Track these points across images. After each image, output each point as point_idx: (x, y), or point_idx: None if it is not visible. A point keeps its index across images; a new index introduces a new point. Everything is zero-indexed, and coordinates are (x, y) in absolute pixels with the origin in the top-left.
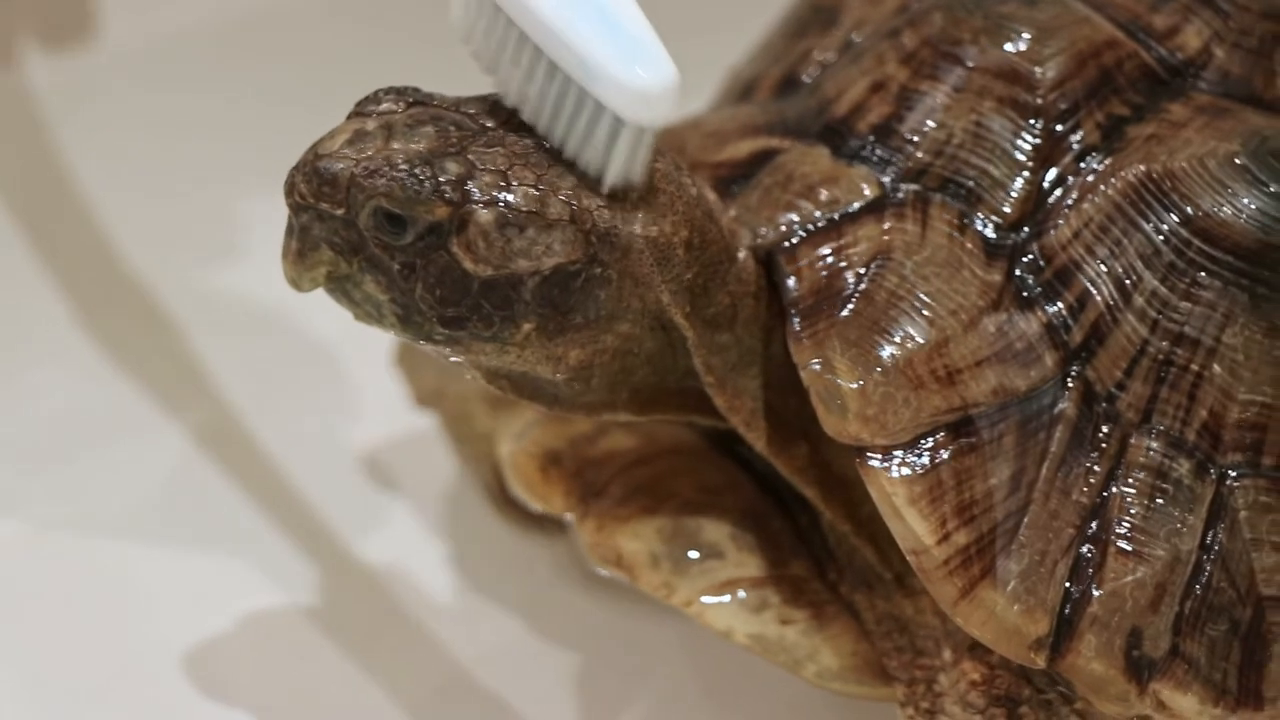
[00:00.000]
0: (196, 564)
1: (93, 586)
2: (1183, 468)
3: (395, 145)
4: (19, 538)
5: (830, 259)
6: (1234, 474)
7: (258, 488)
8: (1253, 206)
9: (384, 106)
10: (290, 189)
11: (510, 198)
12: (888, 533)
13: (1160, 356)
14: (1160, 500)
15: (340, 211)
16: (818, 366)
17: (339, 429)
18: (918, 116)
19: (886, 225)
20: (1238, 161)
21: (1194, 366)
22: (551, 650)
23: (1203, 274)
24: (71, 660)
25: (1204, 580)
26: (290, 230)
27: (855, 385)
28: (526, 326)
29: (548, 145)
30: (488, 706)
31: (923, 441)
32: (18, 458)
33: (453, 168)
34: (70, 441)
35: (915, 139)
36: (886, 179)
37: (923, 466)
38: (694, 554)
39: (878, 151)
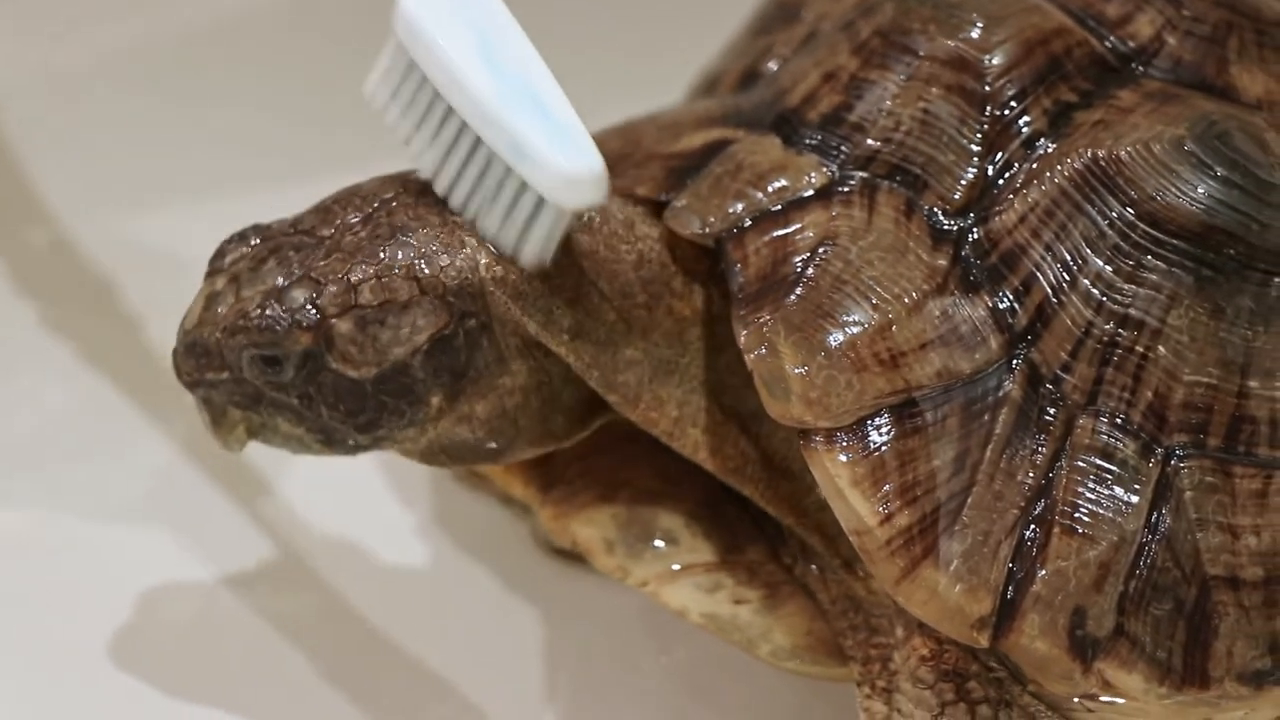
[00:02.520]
0: (175, 537)
1: (78, 575)
2: (1128, 449)
3: (245, 293)
4: (14, 535)
5: (776, 246)
6: (1179, 454)
7: (240, 466)
8: (1198, 190)
9: (229, 259)
10: (178, 371)
11: (360, 298)
12: (834, 521)
13: (1105, 339)
14: (1106, 481)
15: (225, 374)
16: (763, 351)
17: None
18: (867, 105)
19: (833, 212)
20: (1185, 146)
21: (1139, 348)
22: (512, 619)
23: (1148, 257)
24: (63, 655)
25: (1149, 560)
26: (198, 404)
27: (799, 369)
28: (435, 400)
29: (380, 229)
30: (448, 676)
31: (866, 424)
32: (13, 458)
33: (298, 295)
34: (62, 442)
35: (864, 127)
36: (835, 167)
37: (865, 448)
38: (648, 540)
39: (827, 140)
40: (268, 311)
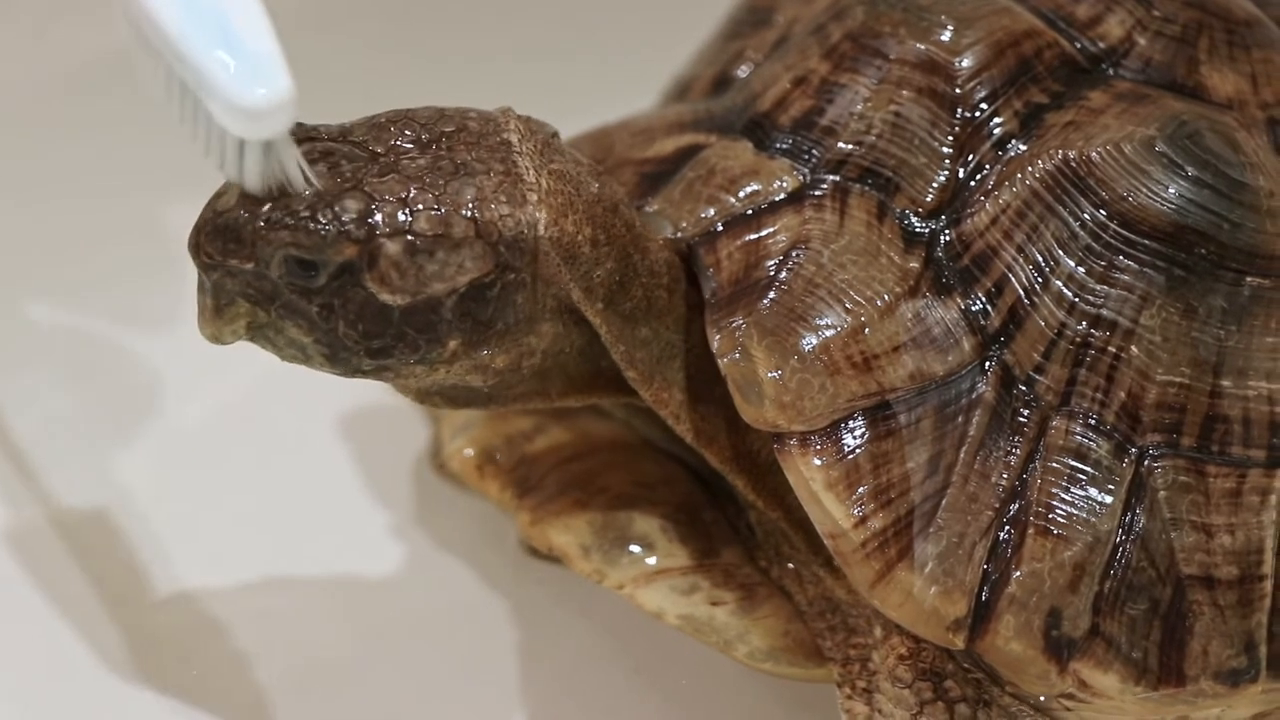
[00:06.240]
0: (160, 536)
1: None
2: (1102, 449)
3: (293, 190)
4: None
5: (749, 250)
6: (1153, 454)
7: (226, 462)
8: (1170, 190)
9: None
10: (196, 250)
11: (415, 224)
12: None
13: (1078, 339)
14: (1080, 481)
15: (250, 265)
16: (736, 356)
17: (307, 403)
18: (838, 109)
19: (805, 215)
20: (1156, 146)
21: (1112, 348)
22: (489, 619)
23: (1120, 257)
24: (58, 655)
25: (1123, 560)
26: (203, 288)
27: (773, 374)
28: (452, 344)
29: (442, 162)
30: (425, 674)
31: (840, 427)
32: (14, 455)
33: (353, 205)
34: (58, 441)
35: (836, 131)
36: (806, 170)
37: (839, 451)
38: (624, 545)
39: (799, 144)
40: (318, 215)
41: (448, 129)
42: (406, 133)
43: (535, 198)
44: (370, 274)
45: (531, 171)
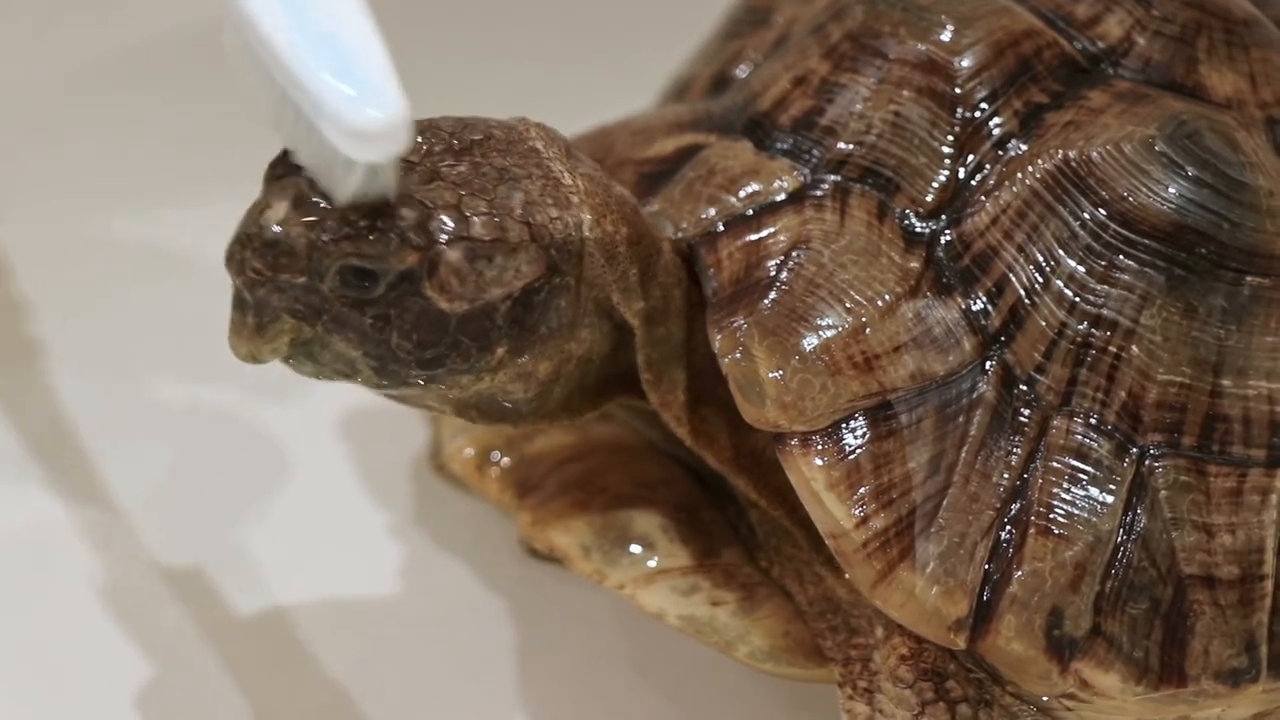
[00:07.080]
0: (154, 536)
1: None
2: (1103, 449)
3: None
4: (18, 534)
5: (749, 250)
6: (1154, 454)
7: (225, 462)
8: (1170, 189)
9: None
10: (240, 266)
11: (472, 230)
12: None
13: (1079, 339)
14: (1081, 481)
15: (302, 279)
16: (738, 356)
17: (307, 403)
18: (838, 109)
19: (806, 215)
20: (1156, 146)
21: (1112, 348)
22: (489, 619)
23: (1120, 257)
24: (54, 656)
25: (1125, 559)
26: (243, 306)
27: (774, 374)
28: (500, 350)
29: (484, 169)
30: (424, 674)
31: (841, 427)
32: (18, 457)
33: (409, 213)
34: (59, 441)
35: (836, 130)
36: (807, 170)
37: (841, 451)
38: (624, 545)
39: (799, 144)
40: (377, 222)
41: (475, 137)
42: (435, 141)
43: (577, 199)
44: (430, 282)
45: (567, 175)
